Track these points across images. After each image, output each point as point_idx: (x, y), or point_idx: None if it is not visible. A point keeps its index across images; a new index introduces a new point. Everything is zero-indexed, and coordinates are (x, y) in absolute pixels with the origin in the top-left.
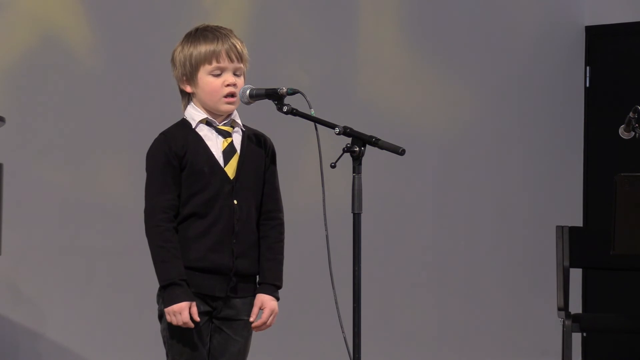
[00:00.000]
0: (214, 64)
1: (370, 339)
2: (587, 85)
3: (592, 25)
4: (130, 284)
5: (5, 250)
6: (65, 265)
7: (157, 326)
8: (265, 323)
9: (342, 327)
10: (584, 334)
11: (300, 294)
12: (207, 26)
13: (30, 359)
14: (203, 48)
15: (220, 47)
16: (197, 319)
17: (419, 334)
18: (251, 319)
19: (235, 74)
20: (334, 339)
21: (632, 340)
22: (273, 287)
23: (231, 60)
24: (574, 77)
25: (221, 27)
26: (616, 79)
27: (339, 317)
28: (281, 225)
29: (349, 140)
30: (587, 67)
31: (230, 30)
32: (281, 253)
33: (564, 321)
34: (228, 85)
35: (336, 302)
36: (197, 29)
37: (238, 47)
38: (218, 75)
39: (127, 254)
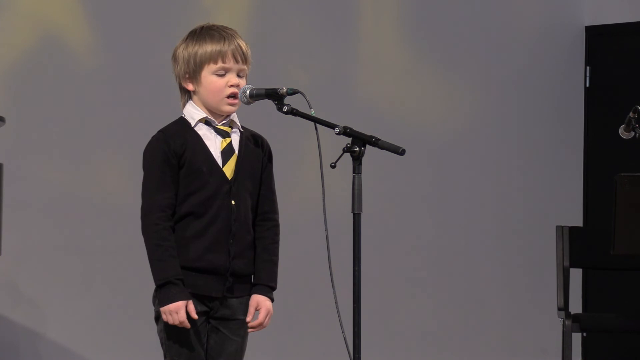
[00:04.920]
0: (219, 64)
1: (370, 339)
2: (587, 85)
3: (592, 25)
4: (130, 283)
5: (5, 250)
6: (65, 265)
7: (156, 326)
8: (261, 323)
9: (342, 327)
10: (584, 334)
11: (300, 294)
12: (213, 25)
13: (30, 359)
14: (209, 47)
15: (226, 47)
16: (195, 317)
17: (419, 334)
18: (248, 319)
19: (238, 75)
20: (334, 339)
21: (632, 340)
22: (268, 288)
23: (236, 61)
24: (574, 77)
25: (226, 27)
26: (616, 79)
27: (339, 317)
28: (276, 226)
29: (349, 140)
30: (587, 67)
31: (235, 31)
32: (276, 254)
33: (564, 321)
34: (231, 86)
35: (336, 302)
36: (202, 27)
37: (243, 48)
38: (222, 75)
39: (127, 254)
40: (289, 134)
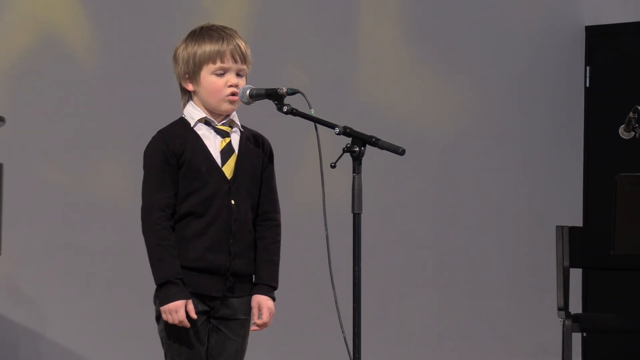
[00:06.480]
0: (218, 64)
1: (370, 339)
2: (587, 85)
3: (592, 25)
4: (130, 283)
5: (5, 250)
6: (65, 265)
7: (157, 325)
8: (266, 323)
9: (342, 327)
10: (584, 334)
11: (300, 294)
12: (212, 25)
13: (30, 359)
14: (208, 47)
15: (225, 47)
16: (194, 316)
17: (419, 334)
18: (254, 321)
19: (238, 75)
20: (334, 339)
21: (632, 340)
22: (269, 288)
23: (235, 61)
24: (574, 77)
25: (226, 27)
26: (616, 79)
27: (339, 317)
28: (278, 226)
29: (349, 140)
30: (587, 67)
31: (235, 31)
32: (277, 254)
33: (564, 321)
34: (230, 85)
35: (336, 302)
36: (202, 28)
37: (242, 48)
38: (221, 75)
39: (127, 254)
40: (289, 134)
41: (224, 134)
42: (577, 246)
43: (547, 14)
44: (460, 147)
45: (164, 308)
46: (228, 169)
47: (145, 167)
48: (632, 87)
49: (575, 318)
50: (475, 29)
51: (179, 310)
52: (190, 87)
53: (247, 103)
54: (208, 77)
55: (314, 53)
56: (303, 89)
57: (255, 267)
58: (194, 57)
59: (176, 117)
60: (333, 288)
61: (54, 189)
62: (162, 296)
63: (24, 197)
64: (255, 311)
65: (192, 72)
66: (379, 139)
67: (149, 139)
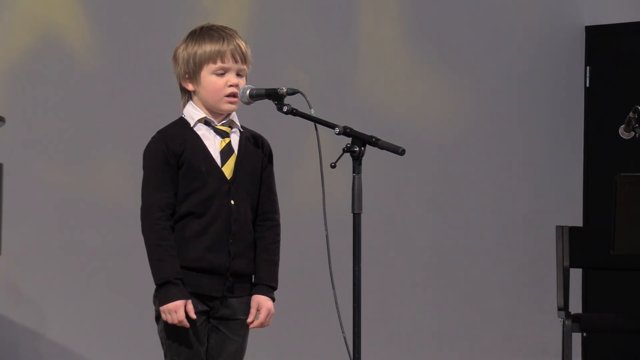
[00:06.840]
0: (219, 64)
1: (370, 339)
2: (587, 85)
3: (592, 25)
4: (130, 283)
5: (5, 250)
6: (65, 265)
7: (157, 325)
8: (262, 324)
9: (342, 327)
10: (584, 334)
11: (300, 294)
12: (212, 25)
13: (30, 359)
14: (208, 47)
15: (225, 47)
16: (193, 316)
17: (419, 334)
18: (249, 321)
19: (238, 75)
20: (334, 339)
21: (632, 340)
22: (268, 288)
23: (235, 61)
24: (574, 77)
25: (226, 27)
26: (616, 79)
27: (339, 317)
28: (277, 226)
29: (349, 140)
30: (587, 67)
31: (235, 31)
32: (277, 254)
33: (564, 321)
34: (231, 85)
35: (336, 302)
36: (202, 28)
37: (242, 48)
38: (221, 75)
39: (127, 254)
40: (289, 134)
41: (223, 134)
42: (577, 246)
43: (547, 14)
44: (460, 147)
45: (163, 308)
46: (228, 169)
47: (144, 167)
48: (632, 87)
49: (575, 318)
50: (475, 29)
51: (178, 310)
52: (190, 87)
53: (247, 103)
54: (208, 77)
55: (314, 53)
56: (303, 89)
57: (254, 267)
58: (194, 57)
59: (176, 117)
60: (333, 288)
61: (54, 189)
62: (162, 296)
63: (24, 197)
64: (253, 311)
65: (192, 72)
66: (379, 139)
67: (149, 139)
